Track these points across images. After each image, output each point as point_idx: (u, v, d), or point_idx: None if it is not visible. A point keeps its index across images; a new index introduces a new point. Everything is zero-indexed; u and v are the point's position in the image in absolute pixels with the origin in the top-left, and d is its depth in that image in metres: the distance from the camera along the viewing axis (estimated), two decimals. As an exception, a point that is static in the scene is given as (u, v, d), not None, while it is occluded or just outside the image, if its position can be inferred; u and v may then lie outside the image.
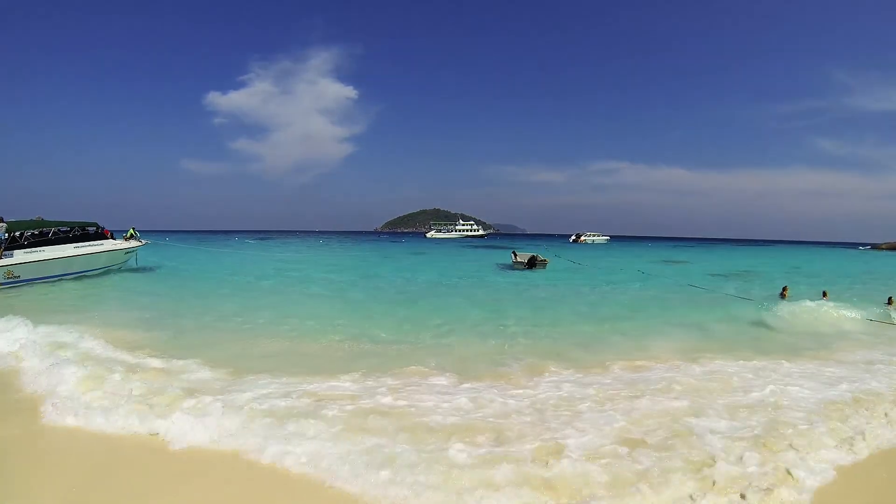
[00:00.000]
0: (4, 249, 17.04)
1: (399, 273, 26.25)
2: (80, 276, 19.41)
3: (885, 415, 5.99)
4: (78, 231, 20.18)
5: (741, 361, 8.53)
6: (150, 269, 24.16)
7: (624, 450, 4.85)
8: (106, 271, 21.15)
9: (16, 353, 8.00)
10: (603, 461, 4.60)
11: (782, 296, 17.30)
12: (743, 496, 4.04)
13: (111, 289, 17.88)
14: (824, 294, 15.98)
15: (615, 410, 6.00)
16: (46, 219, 19.49)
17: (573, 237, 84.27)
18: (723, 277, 25.94)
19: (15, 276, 17.02)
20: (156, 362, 7.76)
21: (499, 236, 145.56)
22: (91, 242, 20.29)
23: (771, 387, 6.92)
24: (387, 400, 6.23)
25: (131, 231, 23.63)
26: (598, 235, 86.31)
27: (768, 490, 4.12)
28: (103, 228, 21.32)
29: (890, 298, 14.66)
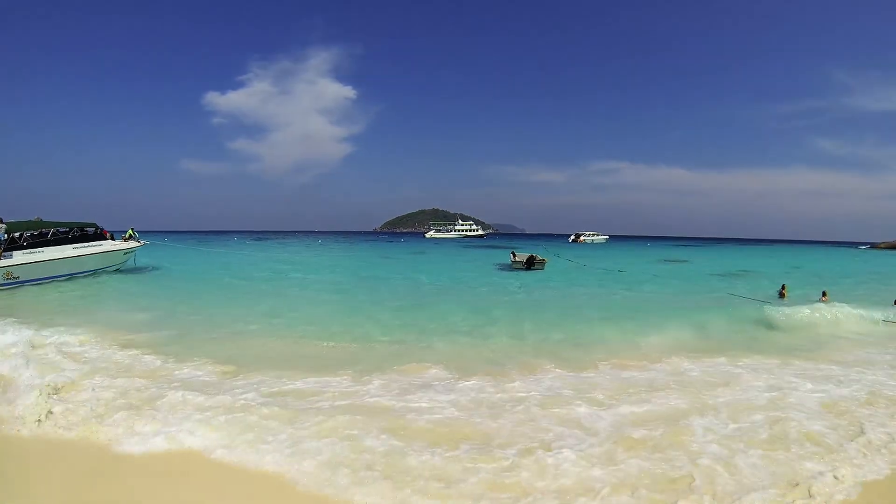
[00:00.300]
0: (4, 250, 17.01)
1: (397, 274, 26.24)
2: (79, 276, 19.39)
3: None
4: (77, 232, 20.16)
5: (741, 361, 8.55)
6: (149, 270, 24.14)
7: (620, 452, 4.85)
8: (105, 272, 21.12)
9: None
10: (595, 463, 4.61)
11: (781, 295, 17.30)
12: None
13: (110, 289, 17.86)
14: (824, 294, 15.98)
15: (604, 410, 6.01)
16: (45, 219, 19.47)
17: (573, 237, 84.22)
18: (723, 277, 25.95)
19: (14, 277, 17.00)
20: (151, 362, 7.80)
21: (498, 236, 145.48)
22: (90, 243, 20.28)
23: (773, 392, 6.93)
24: (373, 400, 6.28)
25: (130, 232, 23.61)
26: (598, 235, 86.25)
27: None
28: (102, 229, 21.30)
29: None
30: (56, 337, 9.25)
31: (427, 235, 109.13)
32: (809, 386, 7.12)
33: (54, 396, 6.03)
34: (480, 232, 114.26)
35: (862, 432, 5.40)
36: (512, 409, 6.05)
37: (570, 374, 7.66)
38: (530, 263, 26.98)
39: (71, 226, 20.17)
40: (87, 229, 20.64)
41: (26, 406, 5.66)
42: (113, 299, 15.92)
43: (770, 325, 11.89)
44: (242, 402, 5.97)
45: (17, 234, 18.02)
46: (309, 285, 20.42)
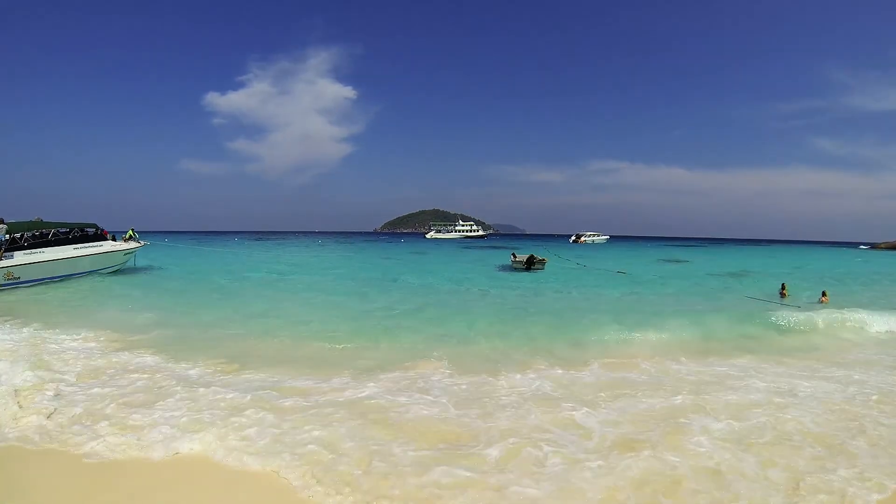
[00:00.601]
0: (4, 251, 17.03)
1: (396, 274, 26.24)
2: (79, 277, 19.41)
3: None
4: (77, 232, 20.19)
5: (740, 361, 8.56)
6: (150, 270, 24.15)
7: (613, 454, 4.86)
8: (105, 273, 21.14)
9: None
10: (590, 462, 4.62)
11: (781, 294, 17.34)
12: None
13: (110, 290, 17.86)
14: (824, 294, 16.01)
15: (598, 410, 6.02)
16: (46, 220, 19.49)
17: (573, 237, 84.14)
18: (722, 277, 25.96)
19: (15, 278, 17.02)
20: (149, 363, 7.82)
21: (499, 237, 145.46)
22: (90, 244, 20.31)
23: (772, 389, 6.93)
24: (365, 398, 6.34)
25: (130, 232, 23.62)
26: (598, 235, 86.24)
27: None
28: (102, 229, 21.33)
29: None
30: (55, 337, 9.27)
31: (427, 236, 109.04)
32: (810, 386, 7.13)
33: (47, 398, 6.05)
34: (481, 232, 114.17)
35: (863, 432, 5.42)
36: (504, 408, 6.07)
37: (566, 372, 7.68)
38: (530, 263, 27.05)
39: (71, 226, 20.19)
40: (88, 230, 20.66)
41: (9, 409, 5.66)
42: (113, 300, 15.91)
43: (770, 326, 11.88)
44: (237, 401, 6.01)
45: (17, 235, 18.04)
46: (308, 286, 20.43)
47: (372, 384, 6.94)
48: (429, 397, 6.42)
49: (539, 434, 5.26)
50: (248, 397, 6.19)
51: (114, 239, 21.78)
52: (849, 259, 48.35)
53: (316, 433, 5.14)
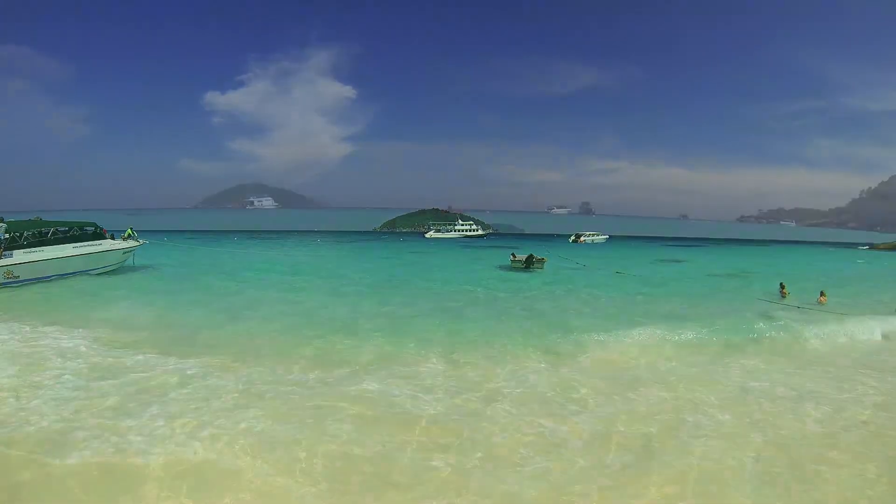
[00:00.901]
0: (4, 249, 17.06)
1: (395, 273, 26.26)
2: (78, 275, 19.42)
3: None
4: (76, 231, 20.23)
5: (740, 361, 8.57)
6: (148, 269, 24.14)
7: (604, 449, 4.86)
8: (104, 271, 21.15)
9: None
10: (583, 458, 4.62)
11: (781, 294, 17.37)
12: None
13: (108, 289, 17.86)
14: (822, 294, 16.03)
15: (592, 407, 6.03)
16: (45, 219, 19.54)
17: (573, 237, 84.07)
18: (722, 277, 25.96)
19: (14, 276, 17.05)
20: (146, 361, 7.86)
21: (498, 236, 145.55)
22: (89, 242, 20.34)
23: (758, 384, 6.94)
24: (354, 391, 6.46)
25: (129, 231, 23.65)
26: (598, 235, 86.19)
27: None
28: (102, 228, 21.36)
29: None
30: (53, 335, 9.28)
31: (427, 235, 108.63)
32: (810, 386, 7.15)
33: (41, 397, 6.06)
34: (481, 232, 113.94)
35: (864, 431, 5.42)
36: (497, 405, 6.08)
37: (560, 369, 7.70)
38: (529, 263, 27.07)
39: (70, 225, 20.25)
40: (87, 229, 20.71)
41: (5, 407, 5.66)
42: (111, 298, 15.91)
43: (769, 326, 11.89)
44: (233, 399, 6.03)
45: (17, 234, 18.08)
46: (307, 286, 20.44)
47: (367, 378, 6.97)
48: (429, 396, 6.41)
49: (531, 429, 5.27)
50: (243, 395, 6.20)
51: (112, 238, 21.80)
52: (849, 260, 48.36)
53: (316, 433, 5.13)
